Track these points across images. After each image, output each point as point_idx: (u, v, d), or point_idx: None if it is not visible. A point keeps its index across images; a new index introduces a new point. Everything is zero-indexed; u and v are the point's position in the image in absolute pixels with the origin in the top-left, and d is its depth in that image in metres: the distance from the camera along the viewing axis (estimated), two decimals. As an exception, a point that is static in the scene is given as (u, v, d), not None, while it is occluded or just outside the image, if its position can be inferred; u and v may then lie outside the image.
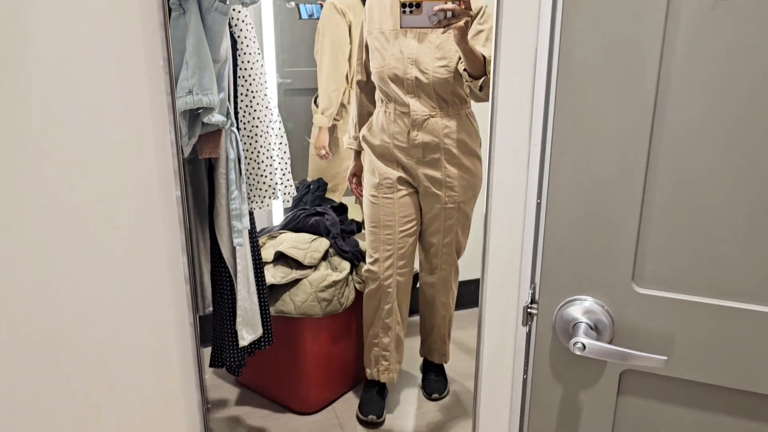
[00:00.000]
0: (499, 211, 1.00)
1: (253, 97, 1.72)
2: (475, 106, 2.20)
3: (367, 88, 2.32)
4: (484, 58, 1.96)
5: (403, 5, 1.78)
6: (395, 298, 2.30)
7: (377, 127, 2.22)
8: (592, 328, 0.98)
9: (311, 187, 2.82)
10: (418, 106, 2.12)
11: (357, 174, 2.44)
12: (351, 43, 2.77)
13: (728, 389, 0.94)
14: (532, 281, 1.03)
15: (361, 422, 2.32)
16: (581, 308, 0.98)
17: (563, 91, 0.91)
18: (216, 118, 1.54)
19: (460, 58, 2.03)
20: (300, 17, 3.03)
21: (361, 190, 2.41)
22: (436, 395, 2.47)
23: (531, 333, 1.05)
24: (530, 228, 1.00)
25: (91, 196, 0.98)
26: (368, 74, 2.27)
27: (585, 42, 0.88)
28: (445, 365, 2.55)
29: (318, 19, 2.90)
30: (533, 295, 1.04)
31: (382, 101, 2.20)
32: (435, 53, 2.08)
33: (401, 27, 1.84)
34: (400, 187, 2.22)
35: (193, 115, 1.54)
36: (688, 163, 0.88)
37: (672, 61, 0.85)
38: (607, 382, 1.01)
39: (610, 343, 0.98)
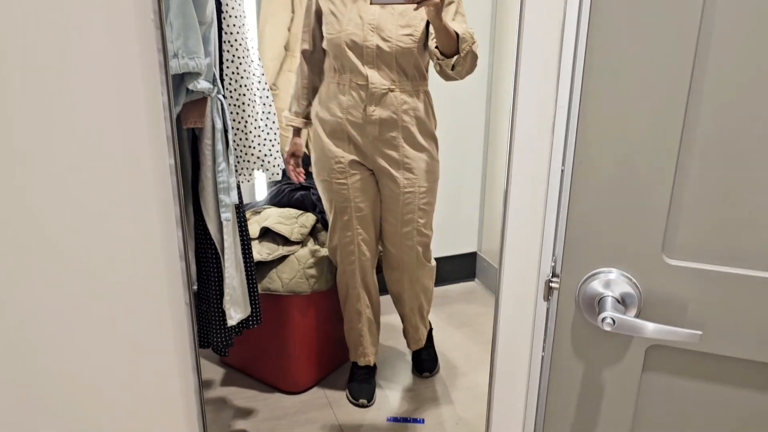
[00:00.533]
0: (519, 178, 0.94)
1: (240, 63, 1.63)
2: (436, 86, 2.08)
3: (313, 58, 2.10)
4: (458, 35, 1.82)
5: None
6: (360, 284, 2.20)
7: (328, 100, 2.02)
8: (619, 302, 0.92)
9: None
10: (377, 78, 1.93)
11: (296, 154, 2.22)
12: (293, 10, 2.68)
13: (765, 364, 0.89)
14: (554, 253, 0.97)
15: (353, 404, 2.27)
16: (607, 281, 0.92)
17: (594, 45, 0.84)
18: (202, 84, 1.44)
19: (428, 30, 1.89)
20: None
21: (300, 173, 2.25)
22: (426, 373, 2.42)
23: (551, 308, 0.99)
24: (553, 196, 0.94)
25: (77, 165, 0.89)
26: (315, 43, 2.07)
27: (619, -7, 0.81)
28: (435, 340, 2.51)
29: None
30: (554, 268, 0.98)
31: (336, 71, 1.99)
32: (398, 20, 1.91)
33: (372, 3, 1.67)
34: (353, 171, 2.06)
35: (177, 82, 1.44)
36: (727, 126, 0.83)
37: (714, 17, 0.79)
38: (632, 358, 0.96)
39: (637, 317, 0.93)
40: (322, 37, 2.03)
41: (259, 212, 2.38)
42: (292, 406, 2.26)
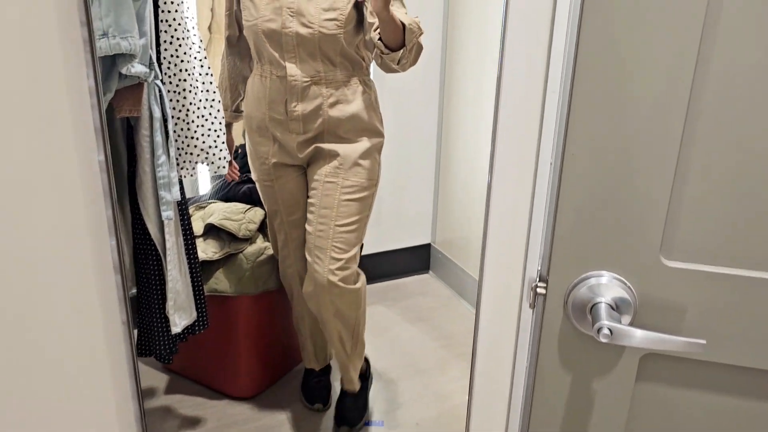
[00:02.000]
0: (503, 173, 0.84)
1: (180, 45, 1.47)
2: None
3: (240, 45, 1.91)
4: (404, 25, 1.62)
5: None
6: (299, 289, 2.01)
7: (253, 94, 1.82)
8: (613, 308, 0.84)
9: (239, 151, 2.58)
10: (295, 70, 1.71)
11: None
12: None
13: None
14: (541, 255, 0.88)
15: (308, 409, 2.15)
16: (599, 285, 0.84)
17: (588, 29, 0.74)
18: (137, 68, 1.28)
19: (358, 15, 1.69)
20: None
21: (235, 169, 2.07)
22: (344, 428, 2.02)
23: (537, 315, 0.90)
24: (541, 192, 0.84)
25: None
26: (240, 28, 1.86)
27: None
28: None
29: None
30: (541, 272, 0.89)
31: (258, 61, 1.80)
32: (321, 3, 1.68)
33: None
34: (279, 173, 1.88)
35: (108, 64, 1.28)
36: (733, 118, 0.75)
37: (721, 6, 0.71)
38: (624, 367, 0.88)
39: (632, 323, 0.84)
40: None
41: (203, 207, 2.23)
42: (241, 413, 2.13)
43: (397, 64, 1.68)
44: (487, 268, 0.89)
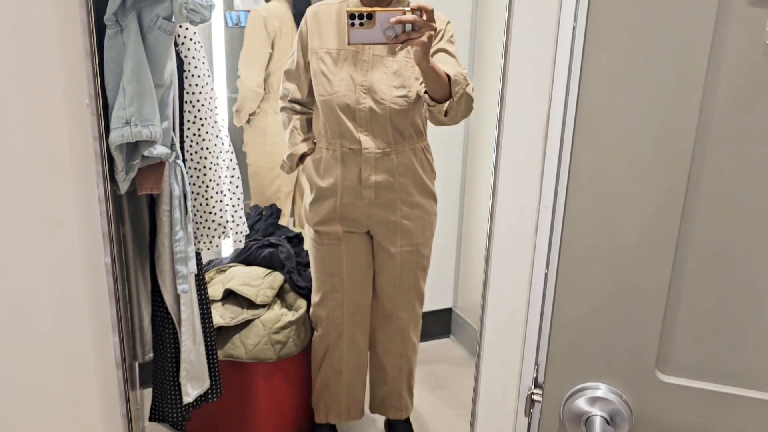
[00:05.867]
0: (499, 281, 0.84)
1: (202, 125, 1.53)
2: (436, 137, 2.01)
3: (304, 109, 1.98)
4: (449, 77, 1.65)
5: (352, 16, 1.44)
6: (347, 344, 2.09)
7: (322, 164, 1.91)
8: (608, 422, 0.83)
9: (263, 213, 2.62)
10: (370, 143, 1.82)
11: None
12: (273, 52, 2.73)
13: (768, 497, 0.80)
14: (536, 362, 0.88)
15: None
16: (595, 397, 0.83)
17: (581, 144, 0.76)
18: (158, 150, 1.34)
19: (420, 82, 1.74)
20: (227, 25, 2.89)
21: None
22: None
23: (533, 424, 0.89)
24: (536, 301, 0.85)
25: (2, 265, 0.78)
26: (308, 93, 1.94)
27: (607, 89, 0.73)
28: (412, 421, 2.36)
29: (245, 27, 2.80)
30: (536, 378, 0.88)
31: (327, 134, 1.88)
32: (392, 80, 1.79)
33: (349, 43, 1.47)
34: (347, 235, 1.97)
35: (132, 147, 1.34)
36: (729, 230, 0.75)
37: (714, 112, 0.72)
38: (621, 481, 0.86)
39: (628, 438, 0.83)
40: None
41: (224, 271, 2.26)
42: (254, 480, 2.11)
43: (446, 116, 1.70)
44: (483, 373, 0.89)
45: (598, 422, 0.82)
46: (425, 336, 3.02)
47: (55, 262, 0.79)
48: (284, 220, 2.78)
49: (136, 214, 1.63)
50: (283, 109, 2.00)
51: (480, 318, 0.90)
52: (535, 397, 0.87)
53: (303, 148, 1.96)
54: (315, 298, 2.09)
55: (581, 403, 0.83)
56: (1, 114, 0.72)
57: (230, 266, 2.28)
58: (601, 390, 0.83)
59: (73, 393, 0.85)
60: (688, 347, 0.80)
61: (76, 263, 0.79)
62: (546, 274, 0.84)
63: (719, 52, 0.70)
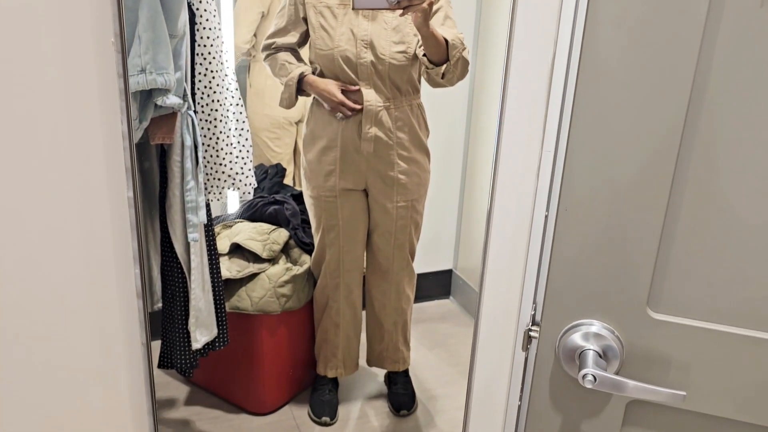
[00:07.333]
0: (501, 222, 0.89)
1: (213, 77, 1.56)
2: (427, 94, 2.03)
3: (295, 54, 1.96)
4: (446, 41, 1.74)
5: None
6: (344, 299, 2.16)
7: (321, 118, 1.95)
8: (600, 356, 0.88)
9: (269, 172, 2.66)
10: (372, 96, 1.87)
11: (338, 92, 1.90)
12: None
13: (748, 425, 0.86)
14: (534, 300, 0.93)
15: (315, 422, 2.20)
16: (589, 333, 0.88)
17: (583, 91, 0.80)
18: (171, 100, 1.37)
19: (419, 42, 1.81)
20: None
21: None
22: (404, 411, 2.27)
23: (530, 358, 0.94)
24: (536, 242, 0.89)
25: (28, 197, 0.82)
26: (300, 42, 1.95)
27: (610, 39, 0.77)
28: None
29: None
30: (534, 316, 0.93)
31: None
32: (392, 36, 1.84)
33: (354, 8, 1.56)
34: (344, 192, 2.02)
35: (145, 96, 1.37)
36: (720, 175, 0.79)
37: (711, 62, 0.75)
38: (611, 412, 0.92)
39: (619, 371, 0.88)
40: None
41: (230, 226, 2.31)
42: (257, 428, 2.19)
43: (443, 78, 1.80)
44: (484, 310, 0.94)
45: (591, 356, 0.87)
46: (425, 296, 3.08)
47: (82, 194, 0.83)
48: (289, 179, 2.81)
49: (146, 166, 1.67)
50: (267, 55, 1.96)
51: (482, 262, 0.94)
52: (532, 333, 0.92)
53: (299, 69, 1.92)
54: (315, 252, 2.16)
55: (576, 339, 0.88)
56: (34, 49, 0.75)
57: (236, 222, 2.33)
58: (595, 326, 0.88)
59: (97, 318, 0.89)
60: (678, 286, 0.84)
61: (103, 196, 0.84)
62: (546, 216, 0.88)
63: None
